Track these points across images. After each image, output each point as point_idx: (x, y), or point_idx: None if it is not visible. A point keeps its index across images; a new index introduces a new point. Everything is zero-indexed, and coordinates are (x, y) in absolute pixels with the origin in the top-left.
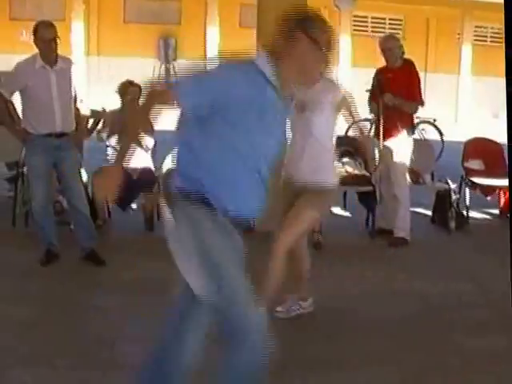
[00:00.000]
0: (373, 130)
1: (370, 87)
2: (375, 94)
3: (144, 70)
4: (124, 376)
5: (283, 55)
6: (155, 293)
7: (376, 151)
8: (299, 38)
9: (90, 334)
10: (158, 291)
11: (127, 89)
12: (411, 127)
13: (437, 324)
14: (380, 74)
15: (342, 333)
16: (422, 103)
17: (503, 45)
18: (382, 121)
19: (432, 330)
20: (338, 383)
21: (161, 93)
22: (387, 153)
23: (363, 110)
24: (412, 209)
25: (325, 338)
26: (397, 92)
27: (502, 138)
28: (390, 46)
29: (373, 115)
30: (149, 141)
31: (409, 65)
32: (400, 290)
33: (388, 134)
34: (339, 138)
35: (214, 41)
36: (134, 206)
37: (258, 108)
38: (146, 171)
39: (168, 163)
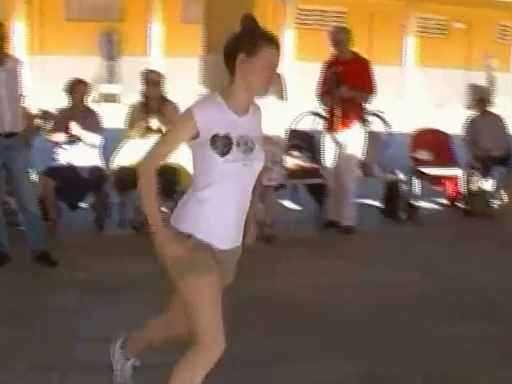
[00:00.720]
0: (322, 123)
1: (317, 80)
2: (327, 87)
3: (87, 67)
4: (83, 376)
5: None
6: (109, 291)
7: (328, 144)
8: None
9: (46, 336)
10: (112, 290)
11: (75, 87)
12: (363, 119)
13: (394, 314)
14: (330, 66)
15: (299, 326)
16: (375, 94)
17: (446, 36)
18: (335, 113)
19: (390, 320)
20: (301, 375)
21: None
22: (339, 145)
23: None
24: (362, 200)
25: (282, 331)
26: (351, 84)
27: (447, 128)
28: (341, 38)
29: (324, 108)
30: (96, 139)
31: (358, 56)
32: (355, 282)
33: (341, 127)
34: (289, 132)
35: (157, 37)
36: (83, 205)
37: None
38: (95, 169)
39: (118, 161)
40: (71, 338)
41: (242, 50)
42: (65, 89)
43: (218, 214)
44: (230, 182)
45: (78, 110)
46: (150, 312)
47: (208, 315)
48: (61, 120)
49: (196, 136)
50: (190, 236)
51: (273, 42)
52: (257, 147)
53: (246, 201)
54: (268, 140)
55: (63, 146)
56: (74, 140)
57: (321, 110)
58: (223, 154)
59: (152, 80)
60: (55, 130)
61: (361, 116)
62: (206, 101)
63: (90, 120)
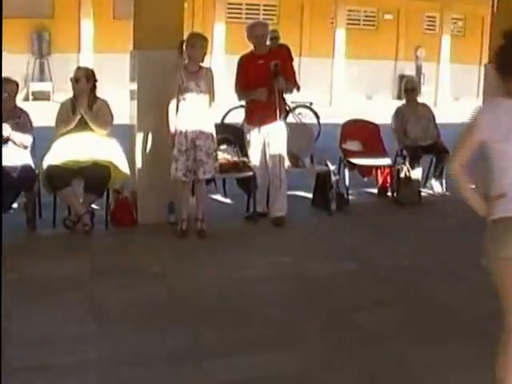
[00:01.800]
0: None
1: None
2: (262, 79)
3: (17, 65)
4: (16, 379)
5: None
6: (41, 293)
7: (255, 137)
8: None
9: None
10: (45, 291)
11: (4, 86)
12: (286, 111)
13: (328, 304)
14: (249, 60)
15: (231, 319)
16: (297, 86)
17: (375, 28)
18: (268, 105)
19: (326, 310)
20: (235, 369)
21: None
22: (264, 138)
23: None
24: (292, 192)
25: (214, 325)
26: (284, 75)
27: (378, 119)
28: (262, 32)
29: (243, 101)
30: (26, 138)
31: (279, 49)
32: (288, 274)
33: (265, 120)
34: (217, 126)
35: (89, 34)
36: (14, 205)
37: None
38: (25, 169)
39: (48, 160)
40: (3, 342)
41: None
42: None
43: None
44: None
45: (7, 109)
46: (82, 313)
47: None
48: None
49: None
50: None
51: None
52: None
53: None
54: (202, 134)
55: None
56: (5, 141)
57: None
58: None
59: (80, 77)
60: None
61: (284, 108)
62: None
63: (20, 120)
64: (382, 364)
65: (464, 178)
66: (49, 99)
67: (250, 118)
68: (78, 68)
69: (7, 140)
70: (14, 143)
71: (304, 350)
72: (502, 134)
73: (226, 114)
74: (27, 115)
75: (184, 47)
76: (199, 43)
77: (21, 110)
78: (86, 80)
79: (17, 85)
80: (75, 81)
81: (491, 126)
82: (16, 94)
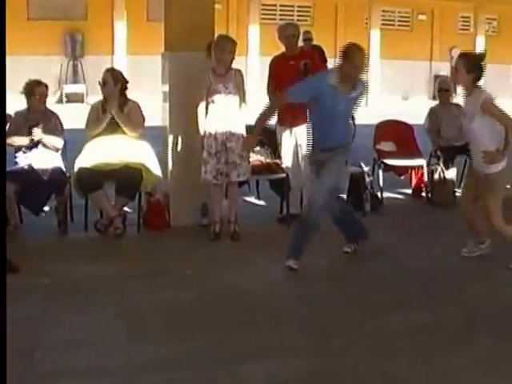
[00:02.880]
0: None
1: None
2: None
3: (50, 67)
4: (45, 383)
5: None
6: (72, 296)
7: (282, 138)
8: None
9: (7, 345)
10: (76, 295)
11: (34, 88)
12: None
13: (362, 306)
14: (280, 61)
15: (266, 321)
16: None
17: (409, 29)
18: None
19: (359, 312)
20: (268, 372)
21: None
22: (296, 139)
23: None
24: None
25: (246, 328)
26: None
27: (413, 120)
28: (292, 33)
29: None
30: (58, 141)
31: (311, 50)
32: (321, 275)
33: (297, 121)
34: (250, 128)
35: (122, 35)
36: (46, 208)
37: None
38: (56, 172)
39: (79, 163)
40: (32, 346)
41: None
42: (23, 91)
43: None
44: None
45: (38, 112)
46: (114, 317)
47: None
48: (19, 123)
49: None
50: None
51: None
52: None
53: None
54: (233, 136)
55: (23, 150)
56: (35, 145)
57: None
58: None
59: (107, 79)
60: (14, 133)
61: None
62: None
63: (50, 122)
64: (411, 366)
65: None
66: (82, 101)
67: (282, 119)
68: (106, 70)
69: (38, 143)
70: (46, 146)
71: (334, 353)
72: None
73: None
74: (57, 118)
75: (212, 50)
76: (227, 46)
77: (51, 112)
78: (113, 82)
79: (46, 87)
80: (102, 83)
81: None
82: (46, 96)
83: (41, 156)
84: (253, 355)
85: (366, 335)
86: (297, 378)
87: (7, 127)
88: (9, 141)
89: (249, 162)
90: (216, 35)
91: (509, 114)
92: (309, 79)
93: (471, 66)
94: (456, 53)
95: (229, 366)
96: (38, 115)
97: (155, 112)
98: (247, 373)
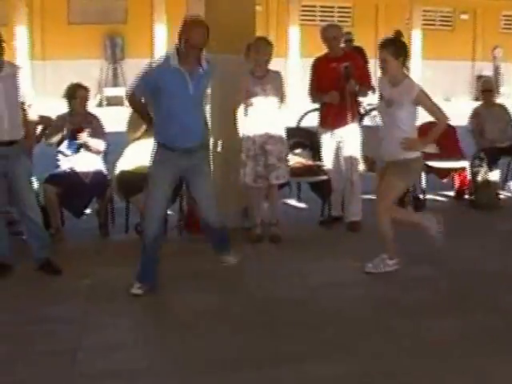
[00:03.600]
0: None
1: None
2: (333, 83)
3: (90, 71)
4: None
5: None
6: (113, 298)
7: (328, 140)
8: None
9: (50, 346)
10: (117, 297)
11: (75, 92)
12: (360, 114)
13: (399, 310)
14: (322, 63)
15: (307, 324)
16: (373, 89)
17: (451, 28)
18: (340, 109)
19: (399, 316)
20: (306, 375)
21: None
22: (338, 141)
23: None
24: (368, 196)
25: (286, 331)
26: (356, 78)
27: (455, 121)
28: (334, 34)
29: (318, 104)
30: (100, 144)
31: (354, 52)
32: (362, 279)
33: (338, 123)
34: (291, 130)
35: (162, 38)
36: (87, 211)
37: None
38: (98, 174)
39: (120, 166)
40: (75, 348)
41: None
42: (65, 94)
43: None
44: None
45: (79, 115)
46: (151, 319)
47: None
48: (59, 125)
49: None
50: None
51: None
52: None
53: None
54: (272, 138)
55: (66, 153)
56: (79, 147)
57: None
58: None
59: None
60: (61, 137)
61: (357, 111)
62: None
63: (92, 125)
64: (454, 373)
65: None
66: (122, 104)
67: (324, 121)
68: None
69: (81, 146)
70: (89, 149)
71: (369, 355)
72: None
73: (302, 118)
74: (98, 120)
75: (250, 52)
76: (264, 48)
77: (92, 115)
78: None
79: (87, 90)
80: None
81: None
82: (87, 99)
83: (83, 159)
84: (295, 359)
85: (411, 337)
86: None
87: (49, 128)
88: (48, 141)
89: (288, 164)
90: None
91: (441, 108)
92: (149, 67)
93: (398, 52)
94: (499, 53)
95: (274, 368)
96: (80, 118)
97: None
98: (290, 376)
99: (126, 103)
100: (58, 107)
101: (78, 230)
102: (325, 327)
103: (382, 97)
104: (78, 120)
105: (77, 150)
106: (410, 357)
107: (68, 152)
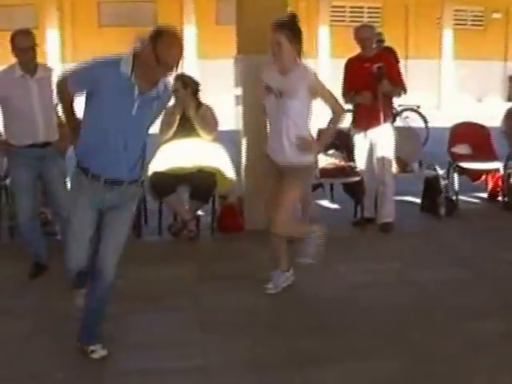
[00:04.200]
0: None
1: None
2: (364, 83)
3: None
4: (121, 383)
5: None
6: (147, 298)
7: (361, 141)
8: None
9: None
10: (150, 297)
11: None
12: (392, 115)
13: (437, 312)
14: (354, 63)
15: (339, 325)
16: (405, 89)
17: (483, 28)
18: (373, 109)
19: (433, 317)
20: (343, 375)
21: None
22: (370, 142)
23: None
24: (401, 197)
25: (322, 331)
26: (388, 79)
27: (487, 122)
28: (368, 35)
29: (350, 105)
30: None
31: (386, 52)
32: (396, 280)
33: (371, 123)
34: (320, 131)
35: (192, 40)
36: None
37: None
38: None
39: (153, 167)
40: (111, 347)
41: None
42: None
43: None
44: None
45: None
46: (188, 319)
47: None
48: None
49: None
50: None
51: None
52: None
53: None
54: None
55: None
56: None
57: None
58: None
59: (177, 86)
60: None
61: (391, 112)
62: None
63: None
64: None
65: None
66: None
67: (357, 121)
68: (175, 77)
69: None
70: None
71: (409, 358)
72: None
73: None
74: None
75: None
76: None
77: None
78: (183, 87)
79: None
80: (173, 90)
81: None
82: None
83: None
84: (325, 359)
85: (446, 339)
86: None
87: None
88: None
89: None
90: None
91: (337, 98)
92: (94, 62)
93: (294, 36)
94: None
95: (303, 368)
96: None
97: (227, 116)
98: (320, 377)
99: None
100: None
101: None
102: (357, 328)
103: (269, 89)
104: None
105: None
106: (454, 356)
107: None
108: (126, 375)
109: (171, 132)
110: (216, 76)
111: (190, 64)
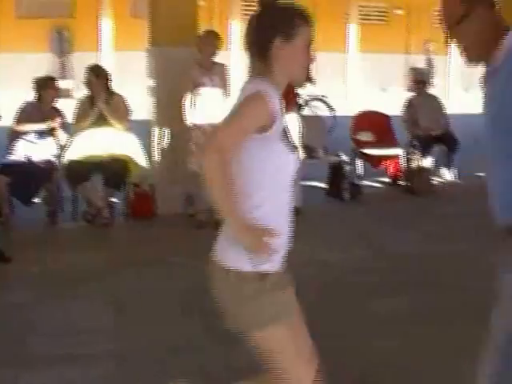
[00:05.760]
0: None
1: None
2: None
3: (39, 64)
4: (36, 371)
5: None
6: (63, 285)
7: None
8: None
9: (2, 331)
10: (66, 284)
11: (47, 84)
12: (299, 104)
13: (345, 292)
14: None
15: None
16: (311, 80)
17: (387, 23)
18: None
19: (340, 296)
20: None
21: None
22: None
23: None
24: (307, 183)
25: None
26: None
27: (391, 110)
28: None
29: None
30: (64, 138)
31: None
32: (303, 261)
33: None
34: None
35: (108, 32)
36: (37, 200)
37: None
38: (48, 163)
39: (68, 155)
40: (27, 334)
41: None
42: (34, 86)
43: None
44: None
45: (49, 106)
46: (101, 305)
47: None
48: (31, 112)
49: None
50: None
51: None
52: None
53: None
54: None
55: (33, 140)
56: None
57: None
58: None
59: (90, 77)
60: (25, 121)
61: (295, 101)
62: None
63: (59, 118)
64: (397, 352)
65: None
66: (70, 97)
67: None
68: (87, 68)
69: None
70: (55, 138)
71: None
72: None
73: None
74: (61, 114)
75: (199, 44)
76: (212, 40)
77: (57, 109)
78: (96, 79)
79: (57, 84)
80: (87, 82)
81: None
82: (58, 91)
83: (41, 147)
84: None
85: (350, 317)
86: None
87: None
88: (20, 128)
89: None
90: (202, 30)
91: None
92: None
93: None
94: (431, 46)
95: (212, 349)
96: (49, 110)
97: (142, 106)
98: (229, 356)
99: (74, 95)
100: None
101: (28, 218)
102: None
103: None
104: (48, 111)
105: (42, 137)
106: (358, 333)
107: (34, 139)
108: (35, 362)
109: (85, 122)
110: (131, 68)
111: (105, 56)
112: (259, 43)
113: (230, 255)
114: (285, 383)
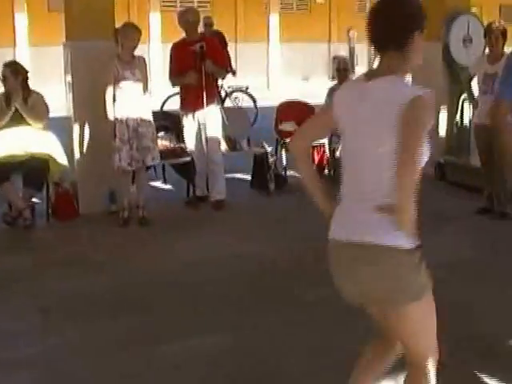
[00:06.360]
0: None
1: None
2: (191, 64)
3: None
4: None
5: None
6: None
7: (189, 123)
8: None
9: None
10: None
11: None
12: (221, 96)
13: (272, 283)
14: (180, 46)
15: (180, 302)
16: (231, 71)
17: (308, 12)
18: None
19: (268, 287)
20: (181, 353)
21: None
22: (199, 122)
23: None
24: (231, 175)
25: (165, 309)
26: (212, 60)
27: (314, 100)
28: (188, 19)
29: (177, 88)
30: None
31: (213, 36)
32: (228, 254)
33: (198, 105)
34: (155, 114)
35: (23, 27)
36: None
37: None
38: None
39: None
40: None
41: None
42: None
43: None
44: None
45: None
46: (26, 307)
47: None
48: None
49: None
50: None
51: None
52: None
53: None
54: (143, 121)
55: None
56: None
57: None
58: None
59: (6, 74)
60: None
61: (217, 93)
62: None
63: None
64: (334, 335)
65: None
66: None
67: (184, 103)
68: (4, 65)
69: None
70: None
71: (243, 332)
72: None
73: (165, 102)
74: None
75: (118, 37)
76: (131, 33)
77: None
78: (13, 76)
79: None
80: (2, 79)
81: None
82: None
83: None
84: (167, 336)
85: (281, 307)
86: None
87: None
88: None
89: (157, 146)
90: (121, 23)
91: None
92: None
93: None
94: (353, 34)
95: (147, 346)
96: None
97: (60, 103)
98: (162, 353)
99: None
100: None
101: None
102: (199, 303)
103: None
104: None
105: None
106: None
107: None
108: None
109: (3, 121)
110: (48, 63)
111: (21, 51)
112: (399, 38)
113: (397, 236)
114: (424, 355)
